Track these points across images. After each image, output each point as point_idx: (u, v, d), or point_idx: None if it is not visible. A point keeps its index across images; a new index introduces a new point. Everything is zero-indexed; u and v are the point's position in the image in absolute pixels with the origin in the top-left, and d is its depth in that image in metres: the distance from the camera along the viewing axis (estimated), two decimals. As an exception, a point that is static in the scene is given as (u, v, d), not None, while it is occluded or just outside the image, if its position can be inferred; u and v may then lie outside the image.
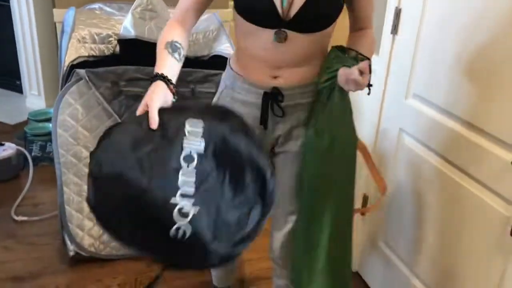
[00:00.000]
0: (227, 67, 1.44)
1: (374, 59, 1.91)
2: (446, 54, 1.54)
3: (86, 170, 1.96)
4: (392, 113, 1.84)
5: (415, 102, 1.71)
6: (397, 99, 1.80)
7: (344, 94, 1.33)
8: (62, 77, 1.96)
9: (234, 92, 1.39)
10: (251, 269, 2.19)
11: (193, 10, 1.32)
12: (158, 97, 1.11)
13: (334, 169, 1.40)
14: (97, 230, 2.09)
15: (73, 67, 1.92)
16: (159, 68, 1.18)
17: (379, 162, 1.93)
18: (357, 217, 2.09)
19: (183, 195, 1.02)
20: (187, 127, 1.07)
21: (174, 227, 1.00)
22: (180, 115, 1.09)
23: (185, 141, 1.05)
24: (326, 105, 1.34)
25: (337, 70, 1.29)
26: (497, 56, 1.35)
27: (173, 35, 1.25)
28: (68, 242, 2.09)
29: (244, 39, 1.33)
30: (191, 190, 1.03)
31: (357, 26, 1.42)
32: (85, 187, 2.01)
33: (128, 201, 1.02)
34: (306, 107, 1.38)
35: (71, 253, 2.10)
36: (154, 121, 1.06)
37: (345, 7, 1.33)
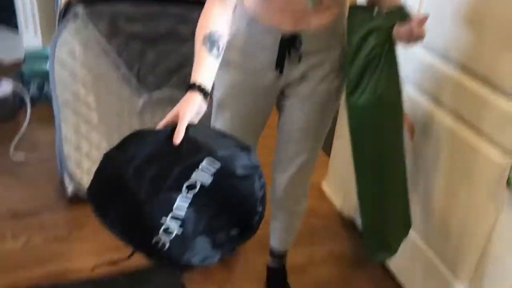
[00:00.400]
0: (239, 8, 1.37)
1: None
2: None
3: (84, 108, 1.96)
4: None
5: (418, 49, 1.68)
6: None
7: (395, 55, 1.33)
8: (59, 14, 1.91)
9: (250, 34, 1.34)
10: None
11: None
12: (191, 112, 1.07)
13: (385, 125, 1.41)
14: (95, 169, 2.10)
15: (69, 3, 1.87)
16: (196, 72, 1.12)
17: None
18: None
19: (174, 217, 1.08)
20: (203, 163, 1.08)
21: (156, 239, 1.07)
22: (201, 148, 1.09)
23: (195, 173, 1.08)
24: (381, 70, 1.33)
25: (370, 33, 1.28)
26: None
27: (211, 23, 1.16)
28: (67, 181, 2.10)
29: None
30: (182, 214, 1.09)
31: None
32: (84, 125, 2.00)
33: (123, 204, 1.09)
34: (322, 50, 1.36)
35: (70, 193, 2.12)
36: (179, 138, 1.04)
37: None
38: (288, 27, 1.30)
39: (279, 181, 1.54)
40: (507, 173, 1.36)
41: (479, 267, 1.49)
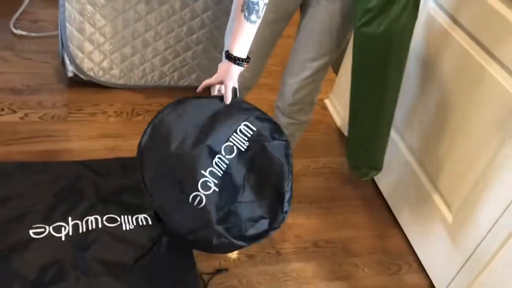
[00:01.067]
0: None
1: None
2: None
3: (91, -13, 1.86)
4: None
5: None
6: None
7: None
8: None
9: None
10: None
11: None
12: (232, 80, 1.24)
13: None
14: (97, 54, 2.04)
15: None
16: (234, 43, 1.20)
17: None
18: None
19: (212, 174, 1.20)
20: (242, 126, 1.26)
21: (195, 193, 1.18)
22: (242, 112, 1.28)
23: (233, 135, 1.24)
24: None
25: None
26: None
27: None
28: (67, 62, 2.05)
29: None
30: (219, 173, 1.21)
31: None
32: (89, 6, 1.91)
33: (168, 158, 1.20)
34: None
35: (70, 74, 2.08)
36: (228, 99, 1.25)
37: None
38: None
39: (290, 85, 1.50)
40: (519, 105, 1.32)
41: (469, 197, 1.50)
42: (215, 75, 1.27)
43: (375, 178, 2.00)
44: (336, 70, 2.45)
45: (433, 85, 1.66)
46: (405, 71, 1.78)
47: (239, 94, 1.34)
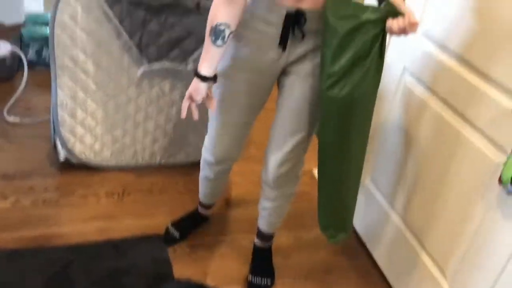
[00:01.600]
0: None
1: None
2: (463, -7, 1.49)
3: (82, 75, 1.94)
4: (397, 51, 1.80)
5: (424, 40, 1.67)
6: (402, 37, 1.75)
7: (384, 50, 1.33)
8: (63, -24, 1.88)
9: (256, 8, 1.34)
10: (238, 191, 2.23)
11: None
12: (201, 96, 1.38)
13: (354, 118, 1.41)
14: (89, 138, 2.09)
15: (75, -35, 1.84)
16: (202, 62, 1.35)
17: (378, 97, 1.91)
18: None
19: None
20: None
21: None
22: None
23: None
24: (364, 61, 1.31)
25: (364, 23, 1.26)
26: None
27: (218, 14, 1.28)
28: (59, 147, 2.09)
29: None
30: None
31: None
32: (80, 93, 1.98)
33: None
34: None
35: (62, 158, 2.11)
36: (195, 116, 1.42)
37: None
38: (293, 3, 1.30)
39: (273, 160, 1.54)
40: (500, 170, 1.36)
41: (463, 263, 1.50)
42: (186, 92, 1.40)
43: (369, 247, 1.99)
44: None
45: (415, 152, 1.70)
46: (388, 139, 1.84)
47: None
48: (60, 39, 1.85)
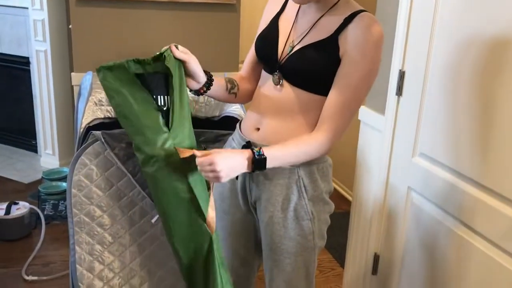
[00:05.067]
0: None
1: (380, 119, 1.97)
2: (449, 114, 1.59)
3: (99, 229, 2.00)
4: (400, 171, 1.87)
5: (422, 161, 1.74)
6: (405, 158, 1.83)
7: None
8: (78, 139, 2.03)
9: (232, 141, 1.49)
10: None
11: (251, 62, 1.50)
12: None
13: None
14: (107, 290, 2.09)
15: (89, 128, 1.99)
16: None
17: (388, 219, 1.93)
18: (370, 279, 2.07)
19: None
20: None
21: None
22: None
23: None
24: None
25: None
26: (499, 116, 1.40)
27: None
28: (78, 303, 2.07)
29: (258, 84, 1.45)
30: None
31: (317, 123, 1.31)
32: (97, 246, 2.02)
33: None
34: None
35: (81, 314, 2.08)
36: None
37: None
38: (250, 133, 1.41)
39: None
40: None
41: None
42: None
43: None
44: (342, 264, 2.48)
45: (437, 272, 1.68)
46: (410, 264, 1.82)
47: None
48: (77, 198, 1.94)
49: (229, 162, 1.19)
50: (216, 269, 1.39)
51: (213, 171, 1.17)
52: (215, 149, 1.25)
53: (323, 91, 1.28)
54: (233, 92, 1.43)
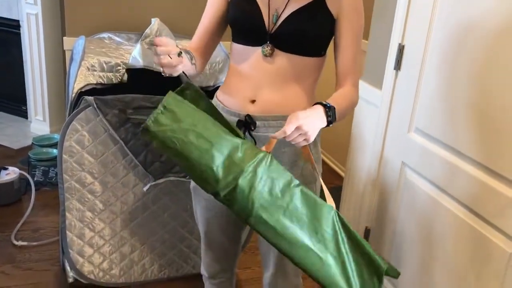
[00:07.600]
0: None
1: (377, 93, 1.95)
2: (448, 91, 1.57)
3: (90, 196, 1.98)
4: (395, 146, 1.86)
5: (418, 137, 1.73)
6: (400, 133, 1.82)
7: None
8: (70, 104, 1.99)
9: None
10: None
11: (206, 33, 1.42)
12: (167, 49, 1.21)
13: None
14: (97, 257, 2.08)
15: (81, 94, 1.95)
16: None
17: (381, 193, 1.94)
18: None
19: None
20: None
21: None
22: None
23: None
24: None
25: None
26: (500, 92, 1.38)
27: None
28: (68, 268, 2.07)
29: (236, 60, 1.39)
30: None
31: (338, 80, 1.36)
32: (88, 213, 2.01)
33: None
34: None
35: (70, 280, 2.08)
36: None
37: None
38: (245, 107, 1.36)
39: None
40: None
41: None
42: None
43: None
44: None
45: (427, 247, 1.69)
46: (401, 239, 1.83)
47: None
48: (68, 164, 1.92)
49: (311, 120, 1.16)
50: (360, 241, 1.22)
51: (302, 134, 1.15)
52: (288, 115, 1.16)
53: (317, 52, 1.33)
54: (193, 63, 1.35)
